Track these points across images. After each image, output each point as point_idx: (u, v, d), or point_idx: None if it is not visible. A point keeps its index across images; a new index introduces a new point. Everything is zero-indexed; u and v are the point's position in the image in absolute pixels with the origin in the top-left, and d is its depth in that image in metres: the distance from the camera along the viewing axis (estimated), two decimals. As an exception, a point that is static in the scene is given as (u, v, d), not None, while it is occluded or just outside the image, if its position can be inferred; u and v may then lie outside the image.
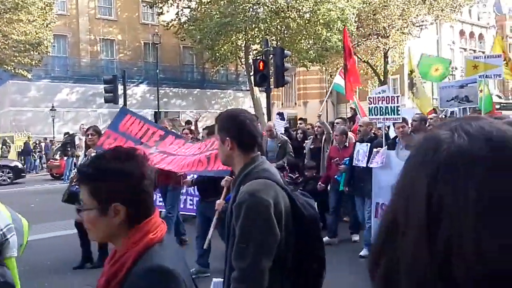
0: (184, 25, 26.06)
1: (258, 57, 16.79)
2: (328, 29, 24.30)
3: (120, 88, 19.98)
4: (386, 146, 6.34)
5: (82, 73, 26.93)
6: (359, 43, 25.22)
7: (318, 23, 24.26)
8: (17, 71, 24.22)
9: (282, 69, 14.20)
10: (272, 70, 15.38)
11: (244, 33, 24.94)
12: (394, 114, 6.30)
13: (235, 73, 32.04)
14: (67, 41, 27.30)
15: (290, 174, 8.21)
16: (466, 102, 6.61)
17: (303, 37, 25.21)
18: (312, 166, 8.47)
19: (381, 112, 6.40)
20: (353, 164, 6.79)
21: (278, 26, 24.98)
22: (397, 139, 6.77)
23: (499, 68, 7.59)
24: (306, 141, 9.23)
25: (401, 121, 6.40)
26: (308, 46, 25.65)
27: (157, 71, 27.37)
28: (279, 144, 8.77)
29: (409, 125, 6.64)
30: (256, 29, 24.55)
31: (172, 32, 26.29)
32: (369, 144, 6.58)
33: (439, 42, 35.75)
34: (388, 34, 24.32)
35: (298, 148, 9.19)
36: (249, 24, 24.00)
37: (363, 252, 6.72)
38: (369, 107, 6.56)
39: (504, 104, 35.97)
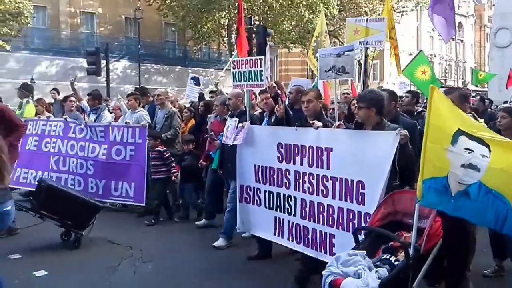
0: (167, 1, 25.11)
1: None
2: (311, 11, 23.68)
3: (102, 61, 19.24)
4: (250, 121, 5.50)
5: (62, 46, 25.92)
6: (340, 27, 24.55)
7: (300, 4, 23.62)
8: (-5, 42, 23.15)
9: (265, 47, 13.61)
10: (254, 48, 14.82)
11: (227, 11, 24.15)
12: (257, 80, 5.37)
13: (217, 51, 31.21)
14: (46, 12, 26.13)
15: (158, 148, 7.14)
16: (343, 74, 5.76)
17: (286, 18, 24.54)
18: (189, 140, 7.42)
19: (245, 78, 5.49)
20: (222, 142, 5.88)
21: (261, 6, 24.24)
22: (264, 113, 5.93)
23: (382, 33, 6.69)
24: (209, 115, 7.76)
25: (264, 87, 5.55)
26: (291, 28, 24.98)
27: (139, 46, 26.44)
28: (166, 116, 7.71)
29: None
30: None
31: (154, 8, 25.33)
32: (237, 119, 5.66)
33: (419, 29, 35.12)
34: (369, 19, 23.65)
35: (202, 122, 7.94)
36: (232, 3, 23.22)
37: (218, 242, 5.88)
38: (232, 72, 5.63)
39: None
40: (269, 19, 24.36)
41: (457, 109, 3.37)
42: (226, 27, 25.38)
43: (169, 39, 30.28)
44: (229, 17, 24.59)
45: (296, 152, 4.81)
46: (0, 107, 5.84)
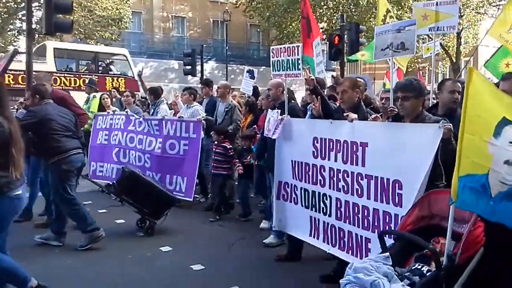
0: (253, 3, 25.24)
1: (334, 32, 16.69)
2: (399, 7, 22.43)
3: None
4: (288, 114, 5.06)
5: (155, 49, 27.15)
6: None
7: (389, 0, 22.48)
8: (99, 45, 24.80)
9: (357, 43, 14.11)
10: (347, 45, 14.82)
11: (312, 10, 23.71)
12: (294, 69, 4.93)
13: (301, 51, 30.86)
14: (141, 17, 27.55)
15: (224, 144, 6.90)
16: (402, 50, 4.94)
17: (373, 15, 23.49)
18: (247, 136, 6.86)
19: (283, 67, 5.04)
20: (264, 135, 5.48)
21: (347, 3, 23.48)
22: (308, 106, 5.50)
23: (453, 18, 5.77)
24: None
25: (300, 76, 4.95)
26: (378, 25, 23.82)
27: (226, 48, 26.87)
28: (226, 109, 7.43)
29: None
30: (325, 6, 23.33)
31: (240, 10, 25.64)
32: (279, 111, 5.19)
33: None
34: (462, 14, 21.73)
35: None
36: (318, 2, 22.75)
37: (268, 239, 5.64)
38: (272, 61, 5.24)
39: None
40: (355, 16, 23.48)
41: (502, 94, 2.77)
42: (310, 26, 24.93)
43: (254, 40, 30.50)
44: (314, 16, 24.15)
45: (331, 147, 4.35)
46: (61, 95, 6.12)
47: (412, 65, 24.64)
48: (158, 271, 4.84)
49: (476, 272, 2.76)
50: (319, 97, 4.69)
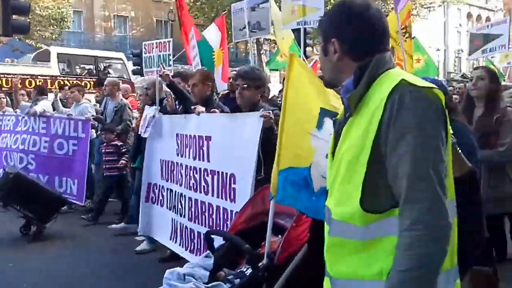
0: (197, 3, 24.80)
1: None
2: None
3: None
4: (158, 109, 4.84)
5: (97, 49, 26.16)
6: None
7: None
8: (38, 45, 23.74)
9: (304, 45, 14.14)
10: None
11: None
12: (166, 65, 4.93)
13: (245, 51, 30.61)
14: (82, 16, 26.56)
15: (114, 143, 6.42)
16: (258, 31, 4.93)
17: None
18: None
19: (155, 63, 5.03)
20: (139, 133, 5.28)
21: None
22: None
23: (319, 12, 5.54)
24: None
25: (171, 73, 4.78)
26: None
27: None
28: (115, 109, 6.79)
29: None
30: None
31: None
32: (158, 108, 4.93)
33: (446, 25, 32.93)
34: (396, 15, 22.14)
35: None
36: (261, 3, 22.61)
37: (140, 246, 5.10)
38: (143, 57, 5.25)
39: None
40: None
41: (320, 83, 2.54)
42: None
43: (199, 40, 30.12)
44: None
45: (186, 143, 4.10)
46: None
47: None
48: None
49: (300, 270, 2.52)
50: (172, 92, 4.46)
